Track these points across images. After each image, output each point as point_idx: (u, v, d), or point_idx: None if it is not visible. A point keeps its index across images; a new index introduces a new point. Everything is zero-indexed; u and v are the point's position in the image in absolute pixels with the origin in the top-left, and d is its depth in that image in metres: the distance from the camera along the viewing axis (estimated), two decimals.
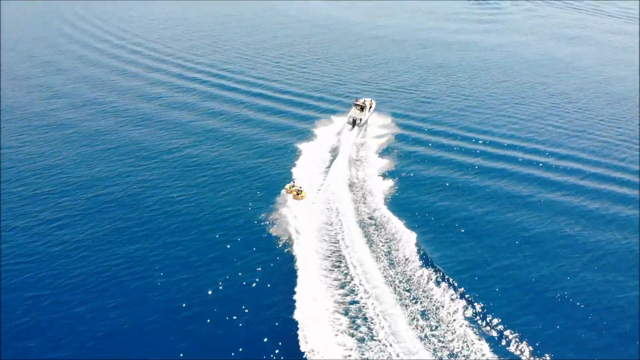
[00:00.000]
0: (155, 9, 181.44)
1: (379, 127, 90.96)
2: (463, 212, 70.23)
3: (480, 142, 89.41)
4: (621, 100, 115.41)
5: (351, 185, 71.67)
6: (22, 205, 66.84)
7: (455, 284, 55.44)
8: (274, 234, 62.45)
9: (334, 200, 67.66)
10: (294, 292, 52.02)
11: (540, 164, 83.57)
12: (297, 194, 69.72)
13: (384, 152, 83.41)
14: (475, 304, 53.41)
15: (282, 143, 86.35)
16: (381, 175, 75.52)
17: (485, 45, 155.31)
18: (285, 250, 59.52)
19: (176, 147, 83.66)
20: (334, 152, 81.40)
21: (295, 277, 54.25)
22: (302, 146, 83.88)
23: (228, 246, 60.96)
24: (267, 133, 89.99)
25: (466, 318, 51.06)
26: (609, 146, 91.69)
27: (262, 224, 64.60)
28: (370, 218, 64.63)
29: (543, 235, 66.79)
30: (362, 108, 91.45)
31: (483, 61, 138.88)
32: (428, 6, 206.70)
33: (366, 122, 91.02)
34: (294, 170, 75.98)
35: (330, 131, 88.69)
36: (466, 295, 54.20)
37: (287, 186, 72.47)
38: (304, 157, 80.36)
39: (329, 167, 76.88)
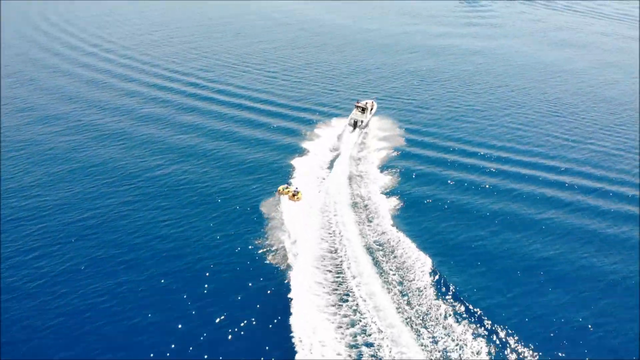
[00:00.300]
0: (132, 13, 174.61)
1: (378, 139, 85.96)
2: (471, 232, 65.64)
3: (482, 155, 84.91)
4: (620, 105, 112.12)
5: (354, 205, 66.63)
6: None
7: (475, 317, 50.96)
8: (272, 263, 57.16)
9: (336, 223, 62.56)
10: (299, 334, 46.80)
11: (548, 180, 79.03)
12: (293, 196, 67.16)
13: (385, 166, 78.46)
14: (499, 340, 48.96)
15: (273, 158, 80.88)
16: (384, 193, 70.59)
17: (476, 49, 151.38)
18: (285, 281, 54.07)
19: (160, 164, 77.82)
20: (330, 166, 76.45)
21: (299, 315, 48.99)
22: (295, 161, 78.90)
23: (222, 278, 55.55)
24: (256, 147, 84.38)
25: (492, 359, 46.34)
26: (614, 158, 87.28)
27: (259, 251, 59.18)
28: (377, 243, 59.61)
29: (557, 258, 62.22)
30: (363, 110, 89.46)
31: (476, 66, 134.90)
32: (416, 8, 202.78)
33: (367, 124, 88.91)
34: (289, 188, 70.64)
35: (323, 144, 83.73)
36: (488, 330, 49.71)
37: (281, 188, 69.47)
38: (298, 172, 75.50)
39: (327, 181, 72.49)
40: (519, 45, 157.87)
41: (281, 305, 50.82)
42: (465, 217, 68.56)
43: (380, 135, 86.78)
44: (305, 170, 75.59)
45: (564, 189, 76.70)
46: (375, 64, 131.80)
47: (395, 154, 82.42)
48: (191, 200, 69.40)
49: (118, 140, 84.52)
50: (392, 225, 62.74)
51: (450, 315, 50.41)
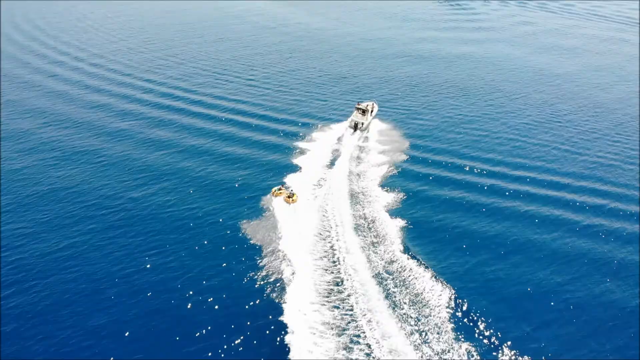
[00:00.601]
0: (107, 18, 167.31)
1: (378, 153, 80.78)
2: (482, 256, 61.00)
3: (484, 170, 79.42)
4: (617, 110, 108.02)
5: (357, 227, 61.44)
6: None
7: (500, 355, 46.53)
8: (271, 299, 51.68)
9: (339, 249, 57.24)
10: None
11: (556, 197, 73.80)
12: (289, 197, 65.38)
13: (386, 183, 73.15)
14: None
15: (264, 175, 74.92)
16: (388, 213, 65.43)
17: (467, 53, 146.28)
18: (287, 321, 48.38)
19: (141, 184, 71.85)
20: (327, 183, 71.15)
21: None
22: (288, 178, 73.41)
23: (215, 318, 50.09)
24: (245, 163, 78.47)
25: None
26: (622, 171, 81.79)
27: (255, 285, 53.67)
28: (387, 271, 54.47)
29: (574, 284, 57.67)
30: (363, 111, 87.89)
31: (468, 71, 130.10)
32: (403, 11, 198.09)
33: (368, 126, 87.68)
34: (284, 211, 65.31)
35: (316, 158, 78.40)
36: None
37: (274, 189, 67.56)
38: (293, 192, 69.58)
39: (326, 200, 67.25)
40: (511, 49, 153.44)
41: (284, 351, 45.42)
42: (475, 239, 63.72)
43: (379, 149, 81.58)
44: (300, 187, 70.12)
45: (574, 207, 71.70)
46: (364, 70, 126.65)
47: (395, 170, 76.88)
48: (177, 225, 63.65)
49: (94, 158, 78.20)
50: (401, 252, 57.71)
51: (473, 355, 45.67)
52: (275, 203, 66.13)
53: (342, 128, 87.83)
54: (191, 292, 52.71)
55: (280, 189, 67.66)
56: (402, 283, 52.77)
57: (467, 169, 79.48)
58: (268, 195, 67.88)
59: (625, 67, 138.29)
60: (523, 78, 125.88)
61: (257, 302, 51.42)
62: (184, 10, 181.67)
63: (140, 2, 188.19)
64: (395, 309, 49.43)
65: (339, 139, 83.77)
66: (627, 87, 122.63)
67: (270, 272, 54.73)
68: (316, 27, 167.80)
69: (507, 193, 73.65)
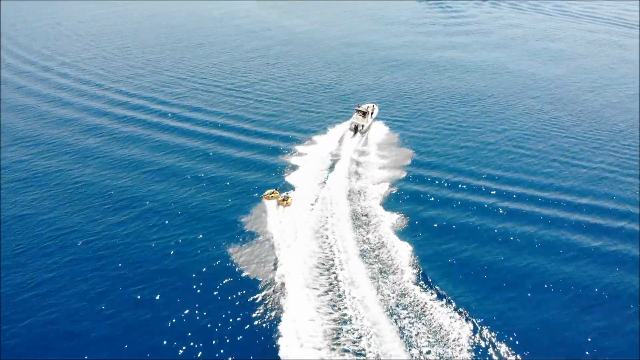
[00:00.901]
0: (84, 23, 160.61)
1: (378, 168, 75.93)
2: (496, 282, 56.73)
3: (486, 188, 74.56)
4: (617, 114, 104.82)
5: (362, 254, 56.46)
6: None
7: None
8: (272, 344, 46.46)
9: (344, 280, 52.31)
10: None
11: (573, 220, 68.38)
12: (283, 200, 63.02)
13: (388, 203, 68.11)
14: None
15: (253, 197, 68.45)
16: (394, 236, 60.46)
17: (460, 58, 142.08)
18: None
19: (122, 207, 66.32)
20: (325, 204, 66.10)
21: None
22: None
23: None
24: (232, 184, 72.49)
25: None
26: (632, 186, 77.99)
27: (253, 327, 48.56)
28: (400, 306, 49.63)
29: (604, 327, 52.10)
30: (364, 114, 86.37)
31: (459, 77, 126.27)
32: (390, 14, 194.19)
33: (368, 128, 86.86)
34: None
35: (310, 176, 72.99)
36: None
37: (267, 192, 65.22)
38: (288, 213, 64.21)
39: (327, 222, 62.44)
40: (501, 52, 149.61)
41: None
42: (483, 264, 59.02)
43: (378, 163, 76.57)
44: (296, 206, 65.00)
45: (585, 226, 66.55)
46: (352, 77, 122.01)
47: (396, 187, 71.69)
48: (163, 254, 58.39)
49: (68, 179, 72.36)
50: (413, 282, 52.99)
51: None
52: (270, 215, 62.44)
53: (334, 139, 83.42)
54: (182, 337, 47.40)
55: (273, 192, 65.14)
56: (417, 319, 48.09)
57: (470, 184, 75.04)
58: (260, 201, 64.97)
59: (616, 69, 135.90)
60: (516, 83, 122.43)
61: (254, 348, 46.24)
62: (164, 13, 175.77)
63: (117, 6, 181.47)
64: (412, 350, 44.70)
65: (332, 153, 78.96)
66: (620, 91, 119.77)
67: (268, 310, 49.71)
68: (300, 31, 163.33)
69: (514, 211, 69.43)
